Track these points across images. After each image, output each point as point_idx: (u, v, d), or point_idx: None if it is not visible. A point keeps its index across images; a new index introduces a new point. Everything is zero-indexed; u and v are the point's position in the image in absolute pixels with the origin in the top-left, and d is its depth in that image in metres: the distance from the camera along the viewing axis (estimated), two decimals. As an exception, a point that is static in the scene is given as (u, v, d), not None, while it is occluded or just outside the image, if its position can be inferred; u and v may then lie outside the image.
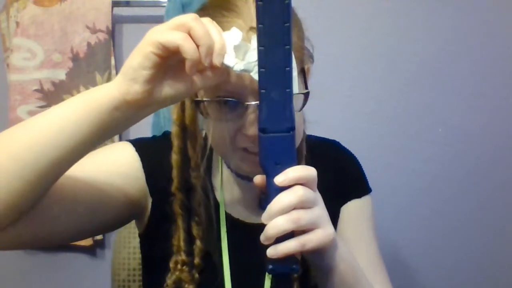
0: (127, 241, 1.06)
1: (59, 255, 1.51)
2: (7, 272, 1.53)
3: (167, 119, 1.32)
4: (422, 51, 1.42)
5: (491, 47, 1.42)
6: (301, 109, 0.65)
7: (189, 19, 0.53)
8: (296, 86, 0.58)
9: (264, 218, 0.56)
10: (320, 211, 0.58)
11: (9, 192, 0.54)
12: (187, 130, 0.75)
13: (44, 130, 0.54)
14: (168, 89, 0.56)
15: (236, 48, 0.56)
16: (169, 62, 0.54)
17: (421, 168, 1.45)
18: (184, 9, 1.31)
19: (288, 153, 0.57)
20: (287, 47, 0.53)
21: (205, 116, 0.67)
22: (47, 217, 0.62)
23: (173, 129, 0.75)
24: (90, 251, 1.51)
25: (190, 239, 0.75)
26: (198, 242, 0.75)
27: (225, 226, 0.76)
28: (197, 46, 0.53)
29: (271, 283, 0.73)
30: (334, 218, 0.81)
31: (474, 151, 1.45)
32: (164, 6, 1.35)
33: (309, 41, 0.72)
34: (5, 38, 1.40)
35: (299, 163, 0.76)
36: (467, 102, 1.44)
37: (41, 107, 1.39)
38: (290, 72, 0.54)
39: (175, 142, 0.75)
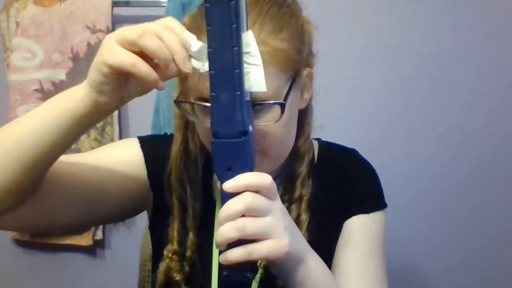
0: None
1: (59, 255, 1.51)
2: (7, 272, 1.53)
3: (166, 119, 1.32)
4: (422, 51, 1.42)
5: (491, 47, 1.42)
6: (277, 120, 0.63)
7: (138, 36, 0.52)
8: (263, 85, 0.55)
9: (217, 224, 0.56)
10: (273, 220, 0.55)
11: (4, 181, 0.59)
12: (188, 124, 0.76)
13: (29, 127, 0.59)
14: (134, 87, 0.57)
15: (197, 53, 0.54)
16: None
17: (421, 168, 1.45)
18: (184, 9, 1.31)
19: (241, 159, 0.55)
20: (235, 48, 0.52)
21: (187, 115, 0.69)
22: (47, 205, 0.66)
23: (175, 122, 0.77)
24: (90, 251, 1.51)
25: (184, 231, 0.76)
26: (191, 235, 0.76)
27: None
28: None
29: (258, 285, 0.72)
30: (334, 230, 0.78)
31: (474, 151, 1.45)
32: (164, 6, 1.35)
33: (310, 47, 0.71)
34: (5, 38, 1.40)
35: (298, 169, 0.75)
36: (467, 101, 1.43)
37: (41, 107, 1.39)
38: (239, 74, 0.53)
39: (176, 135, 0.76)
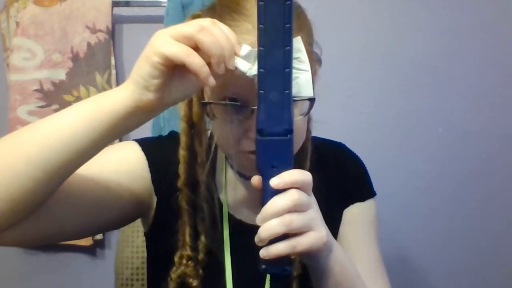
0: (130, 240, 1.06)
1: (59, 255, 1.51)
2: (7, 272, 1.53)
3: (166, 120, 1.32)
4: (422, 51, 1.42)
5: (491, 47, 1.42)
6: (307, 113, 0.66)
7: (195, 31, 0.53)
8: (311, 89, 0.58)
9: (258, 220, 0.56)
10: (313, 214, 0.58)
11: (21, 192, 0.55)
12: (195, 127, 0.75)
13: (55, 133, 0.56)
14: (176, 89, 0.56)
15: (246, 56, 0.56)
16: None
17: (421, 168, 1.45)
18: (184, 9, 1.31)
19: (285, 156, 0.57)
20: (287, 48, 0.53)
21: (212, 118, 0.68)
22: (53, 216, 0.63)
23: (181, 125, 0.76)
24: (90, 251, 1.51)
25: (195, 235, 0.76)
26: (202, 238, 0.76)
27: (227, 227, 0.76)
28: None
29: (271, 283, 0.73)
30: (336, 220, 0.81)
31: (474, 151, 1.45)
32: (164, 6, 1.35)
33: (317, 44, 0.72)
34: (5, 38, 1.40)
35: (303, 164, 0.77)
36: (467, 102, 1.44)
37: (41, 107, 1.39)
38: (289, 74, 0.54)
39: (183, 138, 0.76)
